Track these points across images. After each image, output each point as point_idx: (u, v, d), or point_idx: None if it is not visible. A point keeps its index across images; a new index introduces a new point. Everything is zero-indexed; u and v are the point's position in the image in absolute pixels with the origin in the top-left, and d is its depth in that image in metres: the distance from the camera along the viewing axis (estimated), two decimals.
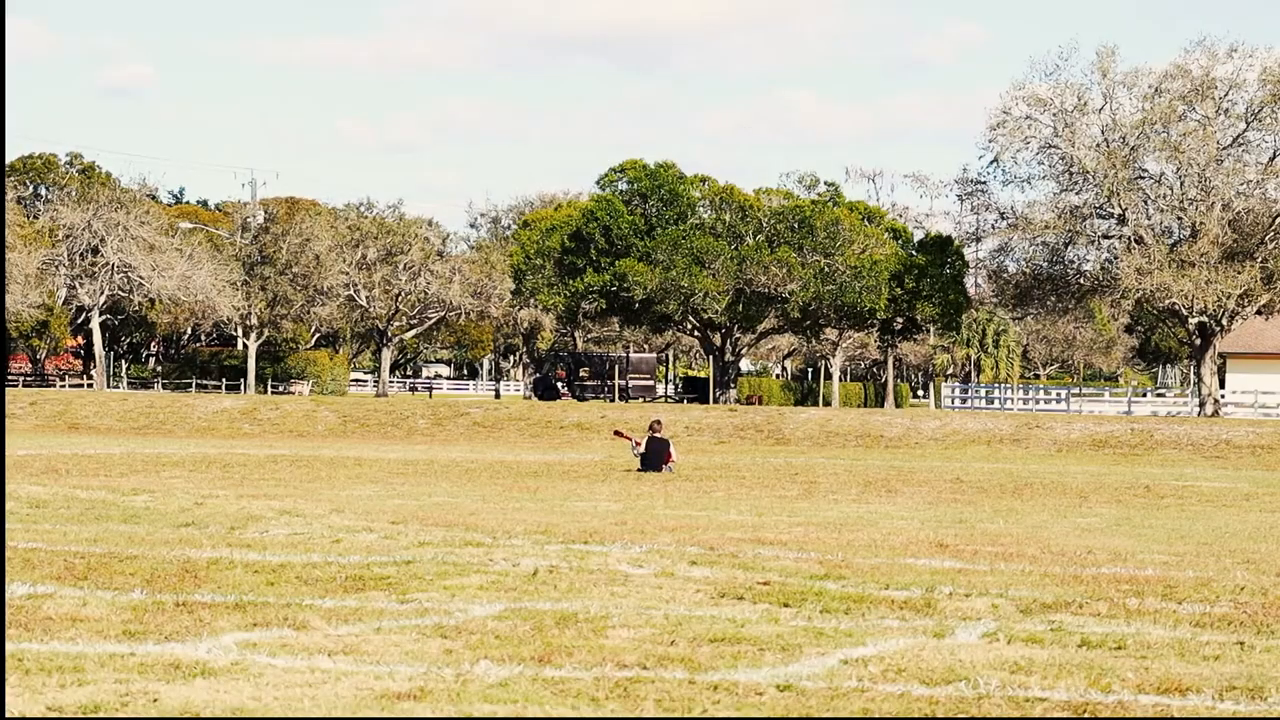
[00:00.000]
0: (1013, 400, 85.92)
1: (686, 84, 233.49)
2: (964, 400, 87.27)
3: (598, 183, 75.06)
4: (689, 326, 77.23)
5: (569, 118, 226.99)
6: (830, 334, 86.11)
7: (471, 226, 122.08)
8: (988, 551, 15.68)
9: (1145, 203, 64.86)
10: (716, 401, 72.46)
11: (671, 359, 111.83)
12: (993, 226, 70.32)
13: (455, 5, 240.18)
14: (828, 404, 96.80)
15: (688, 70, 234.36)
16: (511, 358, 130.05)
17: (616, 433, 35.29)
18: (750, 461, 36.32)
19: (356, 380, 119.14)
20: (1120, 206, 64.09)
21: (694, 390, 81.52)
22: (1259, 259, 63.18)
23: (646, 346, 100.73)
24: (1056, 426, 49.12)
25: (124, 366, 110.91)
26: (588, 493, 24.06)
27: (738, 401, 77.72)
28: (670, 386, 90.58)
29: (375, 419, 53.57)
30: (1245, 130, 63.57)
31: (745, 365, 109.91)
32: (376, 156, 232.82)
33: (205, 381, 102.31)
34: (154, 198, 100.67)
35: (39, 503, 20.09)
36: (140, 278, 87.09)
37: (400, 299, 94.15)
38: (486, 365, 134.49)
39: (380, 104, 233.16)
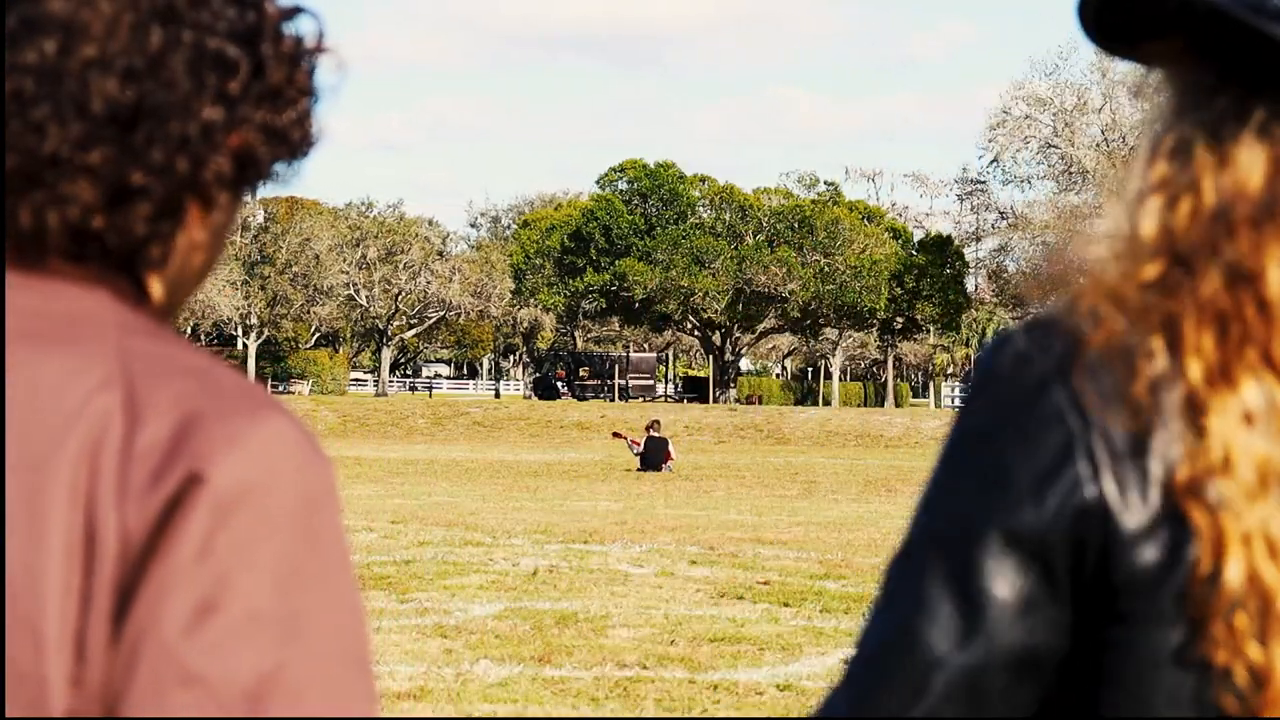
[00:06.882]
0: None
1: (684, 83, 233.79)
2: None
3: (597, 182, 75.16)
4: (689, 326, 77.27)
5: (568, 117, 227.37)
6: (830, 334, 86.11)
7: (471, 226, 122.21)
8: None
9: None
10: (716, 401, 72.49)
11: (671, 359, 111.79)
12: (993, 226, 70.48)
13: (452, 5, 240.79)
14: (827, 404, 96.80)
15: (685, 69, 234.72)
16: (511, 357, 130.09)
17: (616, 434, 35.30)
18: (750, 461, 36.33)
19: (356, 380, 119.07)
20: None
21: (694, 390, 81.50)
22: None
23: (646, 346, 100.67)
24: None
25: None
26: (588, 493, 24.08)
27: (738, 401, 77.71)
28: (670, 386, 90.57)
29: (375, 419, 53.59)
30: None
31: (745, 365, 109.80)
32: (375, 156, 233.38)
33: None
34: None
35: None
36: None
37: (400, 298, 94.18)
38: (486, 365, 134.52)
39: (379, 104, 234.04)
